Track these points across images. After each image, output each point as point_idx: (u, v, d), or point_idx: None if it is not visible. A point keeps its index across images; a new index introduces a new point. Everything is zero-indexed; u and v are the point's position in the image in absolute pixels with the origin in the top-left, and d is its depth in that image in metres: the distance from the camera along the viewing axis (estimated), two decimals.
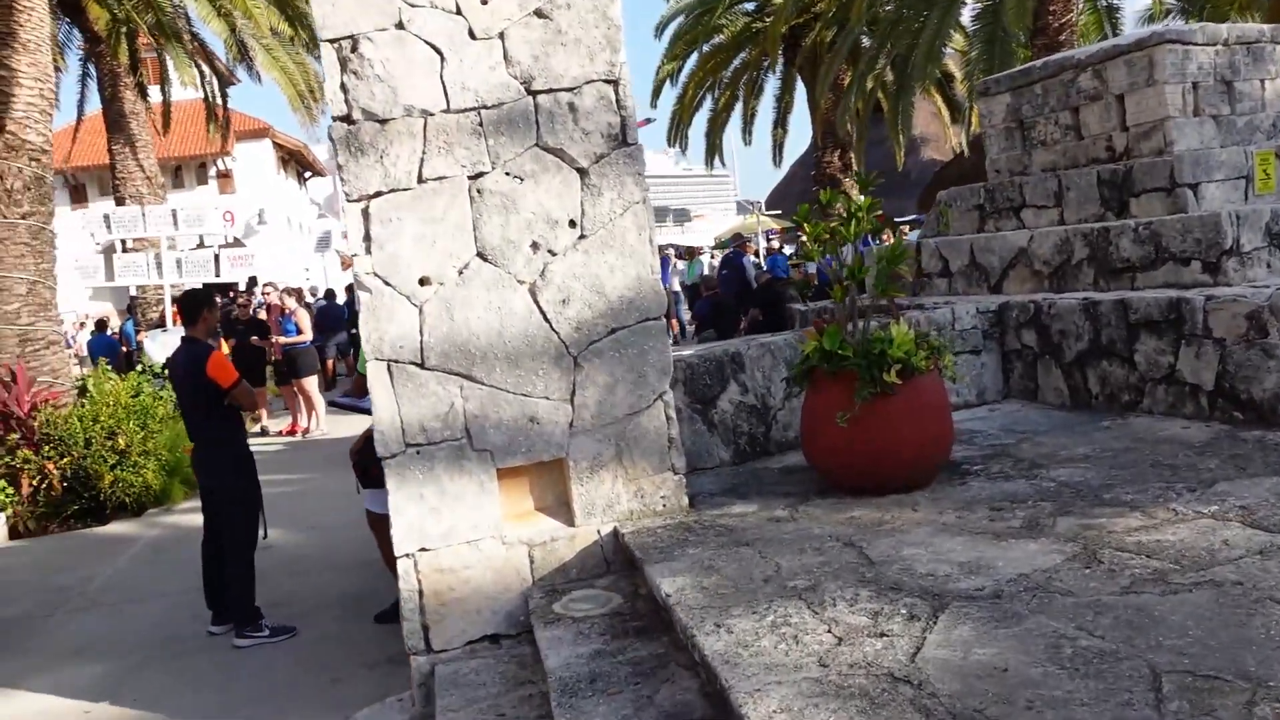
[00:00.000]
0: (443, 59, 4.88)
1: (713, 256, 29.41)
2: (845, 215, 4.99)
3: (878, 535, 4.36)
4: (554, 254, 5.00)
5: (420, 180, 4.88)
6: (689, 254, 28.08)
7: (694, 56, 24.01)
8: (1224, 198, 6.69)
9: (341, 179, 4.92)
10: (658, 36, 24.45)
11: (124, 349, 17.62)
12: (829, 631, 3.33)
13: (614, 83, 5.03)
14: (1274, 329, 5.41)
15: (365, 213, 4.86)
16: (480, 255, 4.94)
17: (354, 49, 4.79)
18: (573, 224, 5.01)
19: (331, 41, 4.80)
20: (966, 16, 19.10)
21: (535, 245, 4.98)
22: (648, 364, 5.13)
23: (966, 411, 6.76)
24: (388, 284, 4.88)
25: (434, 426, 4.91)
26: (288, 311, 14.15)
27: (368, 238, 4.87)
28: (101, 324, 18.79)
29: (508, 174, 4.94)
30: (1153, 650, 2.92)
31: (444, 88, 4.88)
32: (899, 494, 4.97)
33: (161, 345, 13.65)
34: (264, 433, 14.17)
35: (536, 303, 5.00)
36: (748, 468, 5.99)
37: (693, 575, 4.08)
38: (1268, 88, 7.25)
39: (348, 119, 4.82)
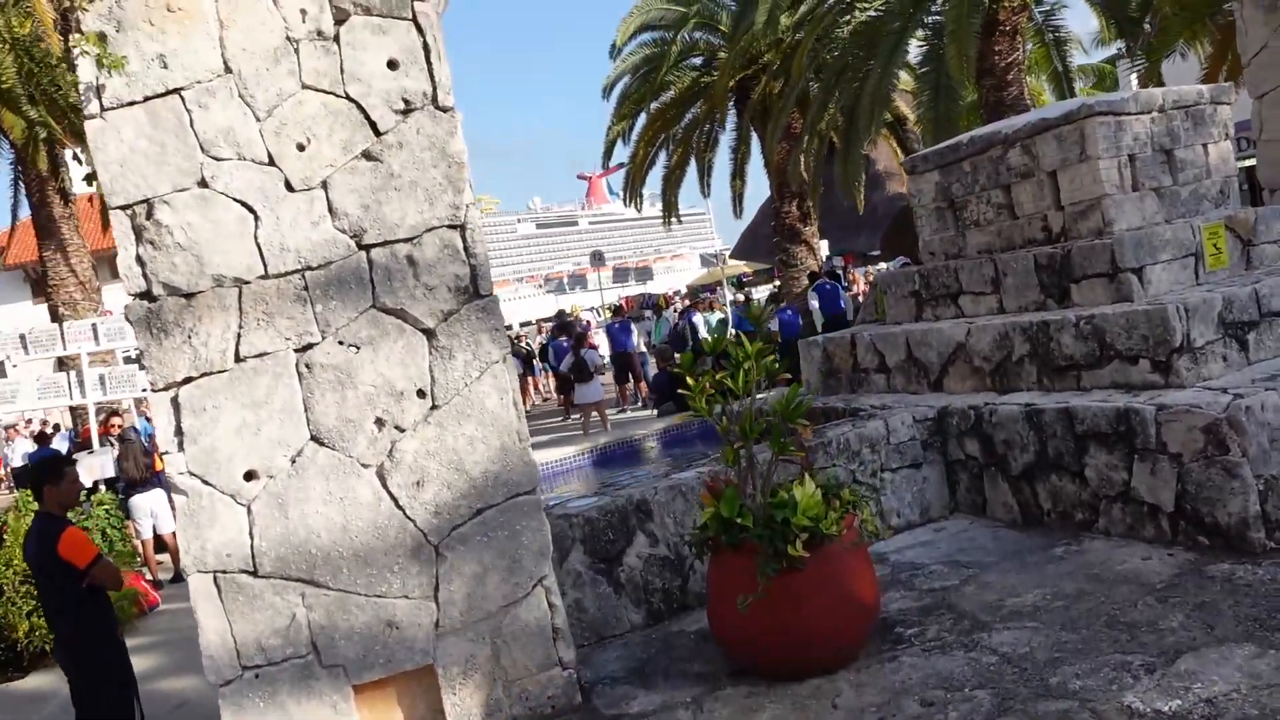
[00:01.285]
0: (256, 218, 4.24)
1: (685, 303, 28.83)
2: (734, 365, 4.34)
3: None
4: (402, 430, 4.33)
5: (238, 359, 4.23)
6: (659, 306, 27.51)
7: (643, 116, 23.50)
8: (1172, 280, 6.08)
9: (143, 366, 4.27)
10: (605, 97, 23.96)
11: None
12: None
13: (459, 228, 4.40)
14: (1234, 444, 4.77)
15: (175, 402, 4.19)
16: (315, 439, 4.27)
17: (149, 215, 4.15)
18: (422, 394, 4.36)
19: (123, 208, 4.16)
20: (916, 56, 18.68)
21: (380, 422, 4.32)
22: (521, 547, 4.46)
23: (908, 535, 6.09)
24: (206, 483, 4.20)
25: (273, 644, 4.22)
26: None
27: (179, 431, 4.19)
28: (42, 437, 17.97)
29: (341, 343, 4.29)
30: None
31: (259, 250, 4.23)
32: (820, 677, 4.29)
33: (87, 469, 12.89)
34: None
35: (386, 488, 4.33)
36: (662, 631, 5.29)
37: None
38: (1212, 152, 6.67)
39: (147, 295, 4.17)
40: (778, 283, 27.23)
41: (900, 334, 7.06)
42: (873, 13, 17.53)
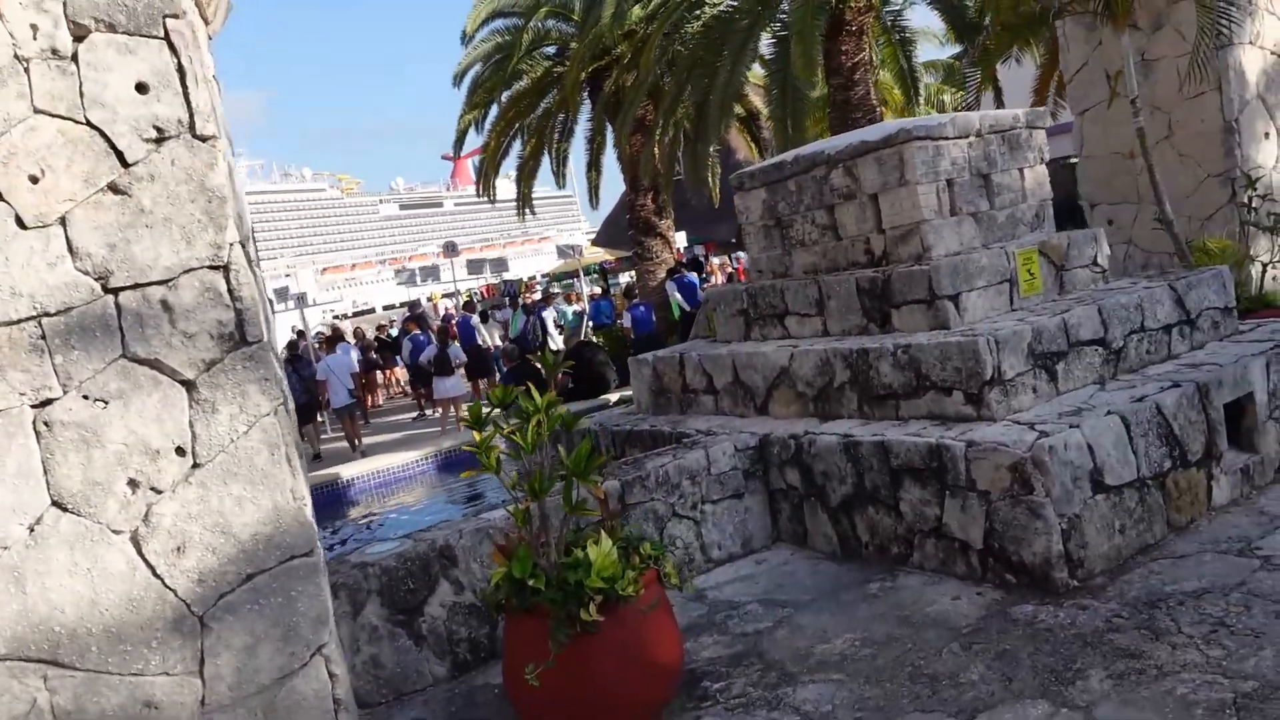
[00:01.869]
0: None
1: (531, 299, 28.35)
2: (523, 418, 4.07)
3: None
4: (159, 492, 3.91)
5: None
6: (518, 295, 26.99)
7: (495, 106, 22.96)
8: (988, 306, 6.09)
9: None
10: (456, 86, 23.30)
11: None
12: None
13: (222, 268, 3.99)
14: (1038, 483, 4.76)
15: None
16: (58, 505, 3.82)
17: None
18: (181, 451, 3.94)
19: None
20: (769, 51, 18.69)
21: (133, 484, 3.89)
22: (298, 614, 4.10)
23: (730, 568, 5.96)
24: None
25: None
26: None
27: None
28: None
29: (86, 397, 3.84)
30: None
31: None
32: None
33: None
34: None
35: (142, 555, 3.91)
36: (467, 685, 5.01)
37: None
38: (1028, 176, 6.72)
39: None
40: (625, 278, 27.15)
41: (727, 356, 6.92)
42: (722, 9, 17.47)
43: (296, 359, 17.59)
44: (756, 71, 20.12)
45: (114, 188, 3.87)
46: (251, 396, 4.02)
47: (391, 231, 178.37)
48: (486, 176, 24.14)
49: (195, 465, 3.96)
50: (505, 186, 25.43)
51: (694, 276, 23.21)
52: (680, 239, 27.48)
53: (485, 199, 24.57)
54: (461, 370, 18.18)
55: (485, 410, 4.15)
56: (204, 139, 3.97)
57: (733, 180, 7.44)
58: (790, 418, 6.47)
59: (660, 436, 6.86)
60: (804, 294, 6.75)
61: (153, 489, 3.92)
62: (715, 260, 31.86)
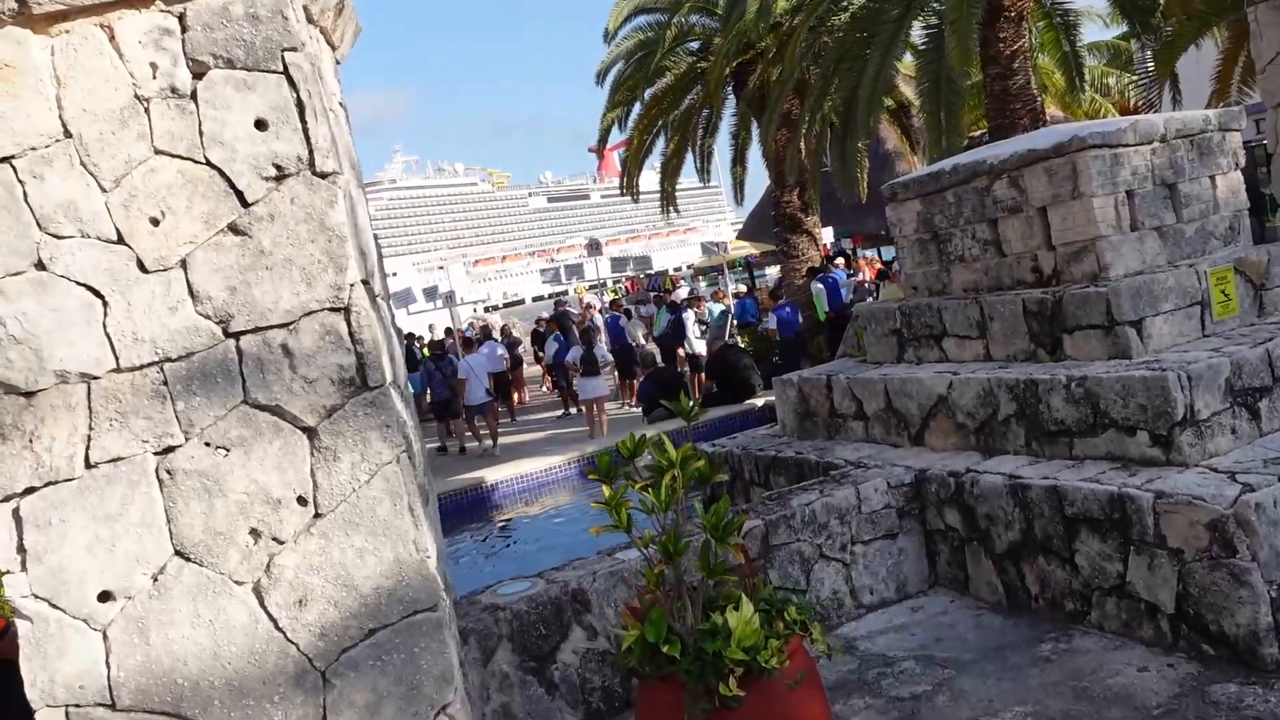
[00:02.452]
0: (105, 303, 3.66)
1: (692, 294, 28.05)
2: (655, 473, 3.75)
3: None
4: (281, 542, 3.77)
5: (88, 465, 3.66)
6: (662, 294, 26.69)
7: (637, 104, 22.75)
8: (1175, 333, 5.46)
9: None
10: (599, 84, 23.20)
11: None
12: None
13: (343, 310, 3.81)
14: (1243, 545, 4.17)
15: (16, 516, 3.63)
16: (180, 555, 3.72)
17: None
18: (303, 501, 3.78)
19: None
20: (921, 40, 17.88)
21: (255, 533, 3.76)
22: (421, 671, 3.90)
23: (882, 615, 5.53)
24: (55, 607, 3.64)
25: None
26: None
27: (21, 549, 3.64)
28: None
29: (208, 445, 3.72)
30: None
31: (109, 341, 3.66)
32: None
33: None
34: None
35: (264, 607, 3.77)
36: None
37: None
38: (1220, 184, 6.02)
39: None
40: (772, 271, 26.57)
41: (878, 380, 6.46)
42: None
43: (441, 356, 17.89)
44: (906, 61, 19.30)
45: (234, 228, 3.73)
46: (373, 444, 3.83)
47: (540, 223, 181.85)
48: (630, 174, 23.98)
49: (317, 515, 3.80)
50: (650, 178, 25.23)
51: (840, 273, 22.52)
52: (827, 234, 26.72)
53: (613, 199, 24.41)
54: (609, 369, 18.09)
55: (615, 460, 3.85)
56: (324, 175, 3.79)
57: (884, 191, 6.95)
58: (948, 450, 5.97)
59: (806, 466, 6.46)
60: (964, 314, 6.23)
61: (274, 539, 3.77)
62: (865, 254, 30.95)
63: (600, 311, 26.78)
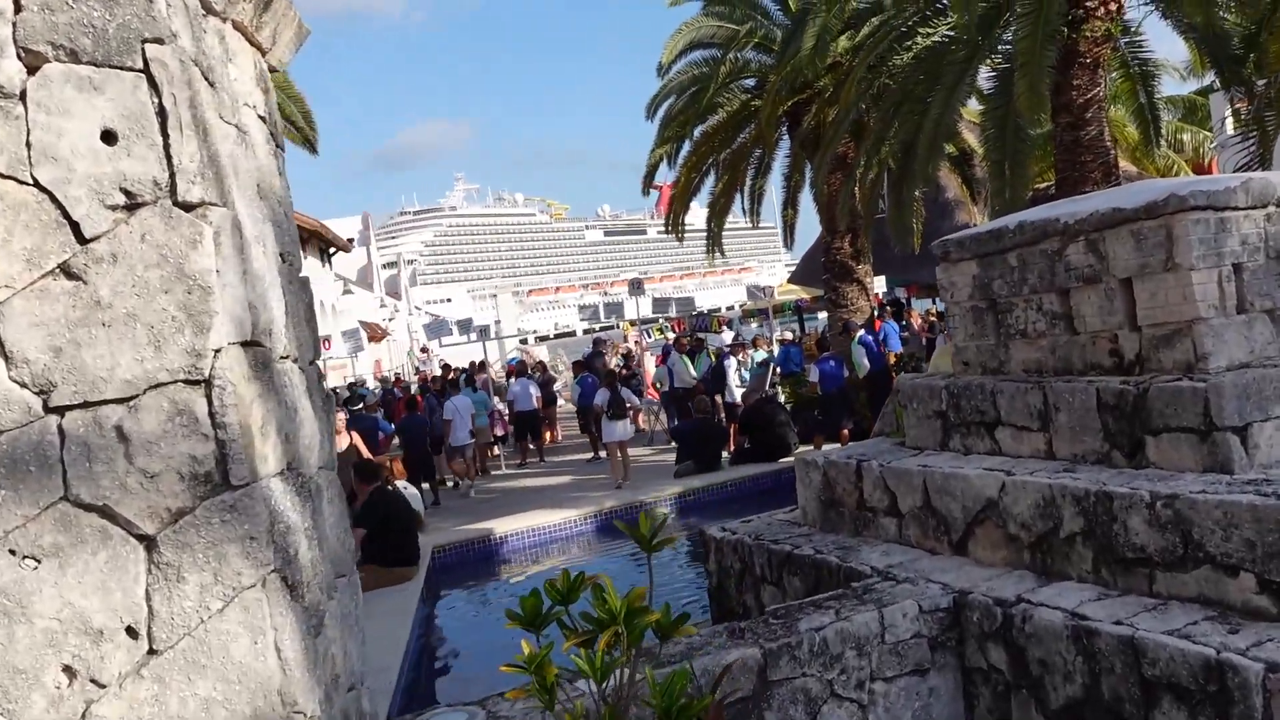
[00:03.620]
0: None
1: (737, 337, 27.06)
2: (596, 622, 2.79)
3: None
4: (102, 686, 2.86)
5: None
6: (698, 337, 25.51)
7: (687, 141, 21.92)
8: None
9: None
10: (649, 118, 22.42)
11: None
12: None
13: (202, 383, 2.91)
14: None
15: None
16: None
17: None
18: (133, 633, 2.88)
19: None
20: (988, 85, 16.85)
21: (69, 672, 2.86)
22: None
23: None
24: None
25: None
26: None
27: None
28: None
29: (12, 553, 2.84)
30: None
31: None
32: None
33: None
34: None
35: None
36: None
37: None
38: None
39: None
40: (825, 316, 25.50)
41: (917, 473, 5.44)
42: (936, 39, 15.80)
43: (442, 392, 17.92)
44: (971, 107, 18.30)
45: (66, 271, 2.86)
46: (231, 561, 2.93)
47: (595, 256, 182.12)
48: (676, 213, 23.09)
49: (151, 652, 2.90)
50: (702, 217, 24.35)
51: (892, 324, 21.39)
52: (879, 283, 25.63)
53: (669, 235, 23.51)
54: (632, 414, 17.43)
55: (543, 605, 2.90)
56: (188, 207, 2.92)
57: (935, 249, 5.97)
58: (996, 566, 4.94)
59: (825, 569, 5.45)
60: (1023, 400, 5.21)
61: (93, 681, 2.88)
62: (917, 307, 29.72)
63: (647, 350, 25.98)
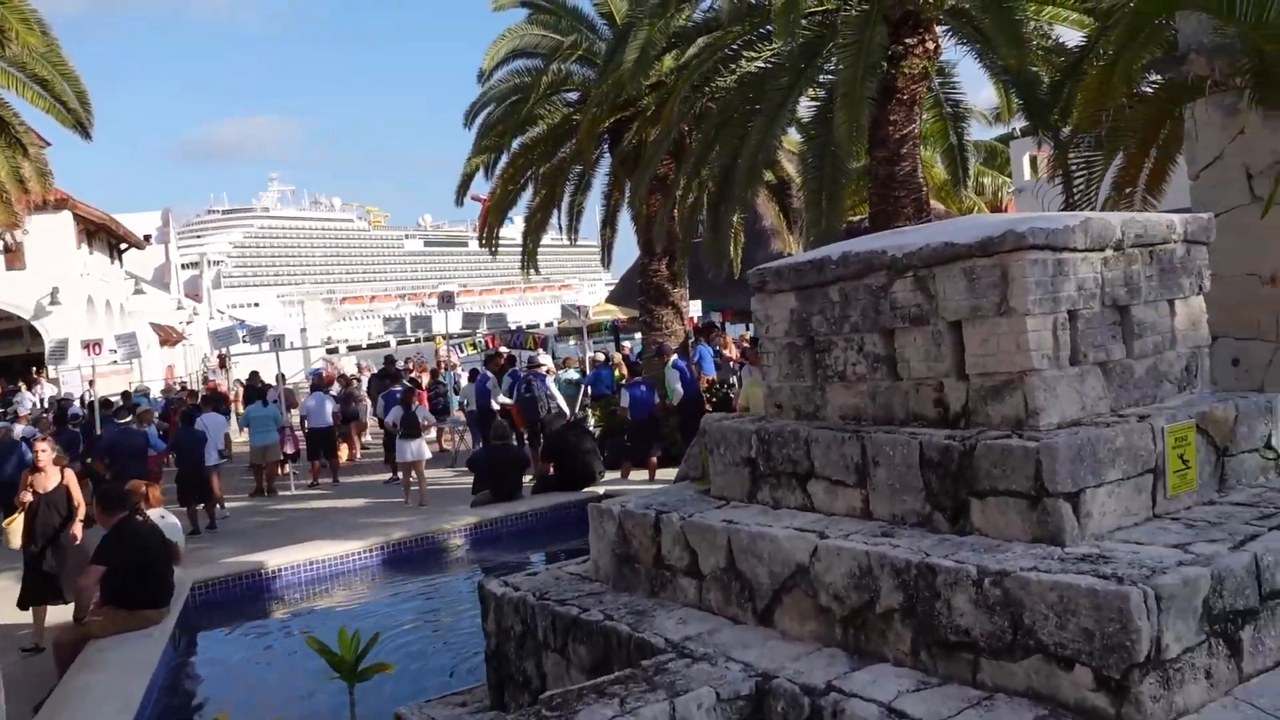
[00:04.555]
0: None
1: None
2: None
3: None
4: None
5: None
6: (499, 358, 24.16)
7: (505, 153, 21.11)
8: (1121, 510, 4.00)
9: None
10: (467, 126, 21.46)
11: None
12: None
13: None
14: None
15: None
16: None
17: None
18: None
19: None
20: (808, 114, 16.75)
21: None
22: None
23: None
24: None
25: None
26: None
27: None
28: None
29: None
30: None
31: None
32: None
33: None
34: None
35: None
36: None
37: None
38: (1180, 312, 4.63)
39: None
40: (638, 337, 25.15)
41: (721, 531, 4.81)
42: (761, 63, 15.57)
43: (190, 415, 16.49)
44: (791, 137, 18.26)
45: None
46: None
47: (414, 266, 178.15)
48: (490, 226, 22.23)
49: None
50: (521, 231, 23.55)
51: (706, 348, 21.19)
52: (695, 307, 25.45)
53: (487, 249, 22.61)
54: (432, 432, 16.59)
55: None
56: None
57: (751, 278, 5.37)
58: (805, 641, 4.35)
59: (615, 638, 4.73)
60: (839, 452, 4.66)
61: None
62: (730, 332, 29.74)
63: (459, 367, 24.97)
